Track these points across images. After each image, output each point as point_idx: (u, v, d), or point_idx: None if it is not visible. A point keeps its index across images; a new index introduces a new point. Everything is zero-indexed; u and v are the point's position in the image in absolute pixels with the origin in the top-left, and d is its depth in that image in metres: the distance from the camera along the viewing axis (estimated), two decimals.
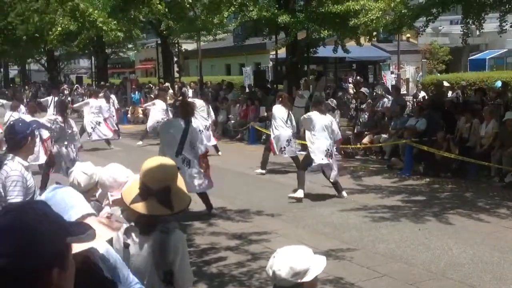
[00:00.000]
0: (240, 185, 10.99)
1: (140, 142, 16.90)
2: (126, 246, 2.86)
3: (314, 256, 2.52)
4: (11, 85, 45.14)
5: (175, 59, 27.98)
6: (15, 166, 4.31)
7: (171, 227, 2.91)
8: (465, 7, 13.35)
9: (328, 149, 9.55)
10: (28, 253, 1.28)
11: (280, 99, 12.13)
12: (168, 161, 3.11)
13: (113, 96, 20.43)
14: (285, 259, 2.45)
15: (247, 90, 21.23)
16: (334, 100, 16.64)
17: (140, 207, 2.81)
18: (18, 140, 4.40)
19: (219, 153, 14.75)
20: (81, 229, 1.46)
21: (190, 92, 23.39)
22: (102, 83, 30.49)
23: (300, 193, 9.51)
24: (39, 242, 1.30)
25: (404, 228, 7.94)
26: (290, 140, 11.58)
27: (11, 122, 5.21)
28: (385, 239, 7.45)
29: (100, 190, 4.05)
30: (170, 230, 2.88)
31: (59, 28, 21.39)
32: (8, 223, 1.31)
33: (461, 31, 14.06)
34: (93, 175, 4.27)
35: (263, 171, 12.09)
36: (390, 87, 20.27)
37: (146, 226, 2.87)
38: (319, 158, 9.49)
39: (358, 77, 24.77)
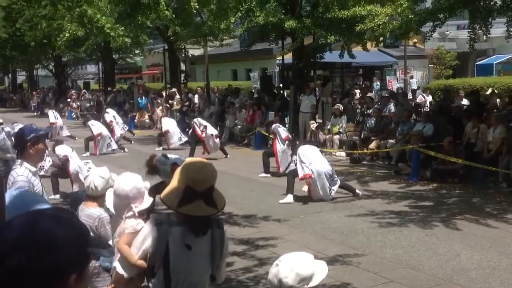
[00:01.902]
0: (247, 190, 10.99)
1: (159, 148, 16.68)
2: (189, 248, 2.91)
3: (316, 261, 2.53)
4: (19, 90, 45.43)
5: (182, 66, 28.04)
6: (22, 171, 4.32)
7: (223, 223, 3.06)
8: (472, 12, 13.32)
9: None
10: (43, 255, 1.30)
11: None
12: (205, 161, 3.15)
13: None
14: (291, 266, 2.44)
15: (255, 95, 21.26)
16: (340, 105, 16.65)
17: (188, 210, 2.86)
18: (24, 145, 4.42)
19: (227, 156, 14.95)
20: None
21: (196, 98, 23.44)
22: (109, 88, 30.64)
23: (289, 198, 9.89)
24: (56, 246, 1.32)
25: (412, 233, 7.92)
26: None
27: (21, 127, 5.23)
28: (392, 244, 7.43)
29: (113, 200, 4.01)
30: (223, 226, 3.04)
31: (67, 34, 21.59)
32: (25, 226, 1.34)
33: (468, 36, 14.02)
34: (109, 180, 4.29)
35: (268, 175, 12.28)
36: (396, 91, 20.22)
37: (201, 227, 2.94)
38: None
39: (366, 82, 24.73)
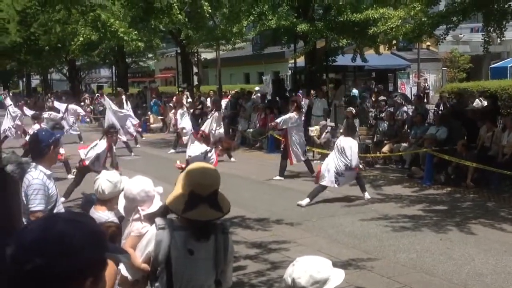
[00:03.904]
0: (259, 194, 10.99)
1: (172, 150, 16.76)
2: (192, 252, 2.91)
3: (334, 268, 2.53)
4: (33, 94, 45.87)
5: (195, 70, 28.14)
6: (37, 174, 4.36)
7: (228, 228, 3.04)
8: (486, 15, 13.23)
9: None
10: (58, 259, 1.31)
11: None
12: (208, 165, 3.17)
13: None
14: (305, 268, 2.45)
15: (269, 97, 21.25)
16: (353, 109, 16.58)
17: (194, 214, 2.86)
18: (41, 148, 4.46)
19: (232, 159, 14.90)
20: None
21: (208, 101, 23.48)
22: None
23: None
24: (72, 249, 1.33)
25: (425, 237, 7.86)
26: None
27: (35, 131, 5.29)
28: (406, 248, 7.38)
29: (124, 203, 4.03)
30: (228, 231, 3.02)
31: (81, 38, 21.75)
32: (41, 229, 1.35)
33: (482, 39, 13.93)
34: (117, 184, 4.28)
35: (282, 178, 12.30)
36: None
37: (203, 231, 2.94)
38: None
39: (379, 85, 24.62)
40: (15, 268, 1.30)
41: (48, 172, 4.45)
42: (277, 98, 20.44)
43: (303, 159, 12.53)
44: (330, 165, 10.12)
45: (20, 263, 1.29)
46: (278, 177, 12.33)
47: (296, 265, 2.48)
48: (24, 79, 50.95)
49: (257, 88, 22.88)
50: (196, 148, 9.59)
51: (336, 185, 10.14)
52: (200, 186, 2.87)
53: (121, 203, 4.03)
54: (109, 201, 4.32)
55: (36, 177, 4.34)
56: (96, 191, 4.35)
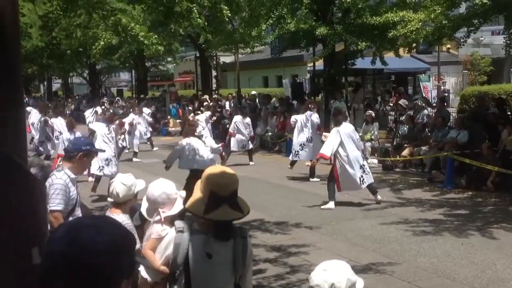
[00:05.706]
0: (278, 197, 10.99)
1: None
2: (210, 256, 2.93)
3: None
4: (54, 98, 46.43)
5: (214, 74, 28.22)
6: (60, 175, 4.44)
7: (247, 232, 3.06)
8: (507, 17, 13.10)
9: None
10: (87, 263, 1.34)
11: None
12: (225, 167, 3.21)
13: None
14: (341, 271, 2.48)
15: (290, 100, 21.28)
16: (372, 112, 16.51)
17: (216, 215, 2.88)
18: (70, 150, 4.62)
19: (251, 162, 14.99)
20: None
21: (227, 104, 23.56)
22: (142, 95, 31.04)
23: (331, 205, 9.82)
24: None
25: (447, 242, 7.79)
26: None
27: (78, 136, 5.44)
28: (426, 253, 7.33)
29: (147, 205, 4.08)
30: (247, 235, 3.03)
31: (102, 42, 21.99)
32: (68, 236, 1.38)
33: (503, 42, 13.78)
34: (131, 187, 4.31)
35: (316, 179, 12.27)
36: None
37: (223, 233, 2.95)
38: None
39: (400, 87, 24.44)
40: (44, 276, 1.34)
41: (73, 176, 4.52)
42: (294, 101, 20.42)
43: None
44: (353, 168, 9.89)
45: (49, 270, 1.33)
46: (315, 179, 12.20)
47: (329, 270, 2.48)
48: (45, 83, 51.55)
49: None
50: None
51: (362, 186, 10.01)
52: (220, 187, 2.89)
53: (144, 205, 4.08)
54: (123, 204, 4.35)
55: (60, 177, 4.42)
56: (110, 194, 4.40)
